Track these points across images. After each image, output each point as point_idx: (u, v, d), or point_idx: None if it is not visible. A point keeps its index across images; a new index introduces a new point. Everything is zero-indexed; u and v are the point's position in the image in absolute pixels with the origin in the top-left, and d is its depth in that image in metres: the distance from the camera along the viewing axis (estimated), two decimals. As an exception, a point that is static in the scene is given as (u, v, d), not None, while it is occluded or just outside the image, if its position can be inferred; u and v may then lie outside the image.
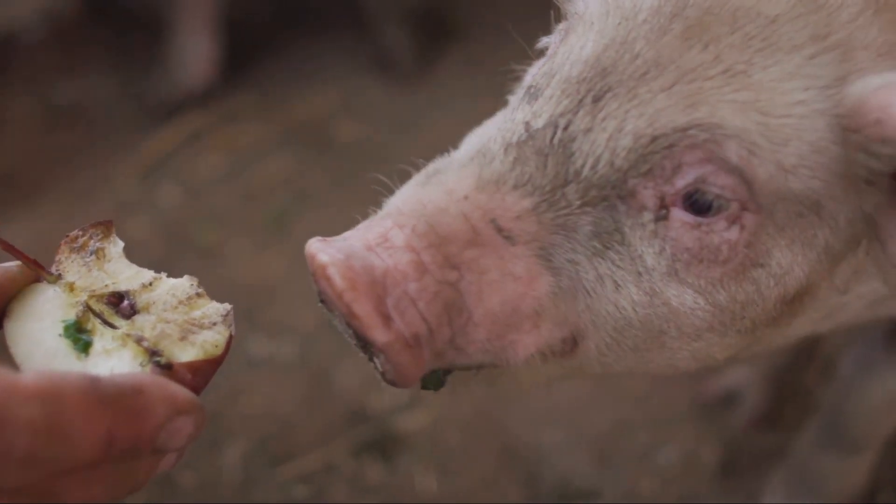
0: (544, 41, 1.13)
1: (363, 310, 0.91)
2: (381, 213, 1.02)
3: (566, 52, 1.04)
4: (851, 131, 0.93)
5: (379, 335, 0.91)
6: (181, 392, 0.84)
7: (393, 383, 0.96)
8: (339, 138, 2.72)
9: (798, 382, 2.10)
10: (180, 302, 0.95)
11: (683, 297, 1.01)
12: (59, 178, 2.64)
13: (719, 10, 0.98)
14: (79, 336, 0.91)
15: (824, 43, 0.96)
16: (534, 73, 1.08)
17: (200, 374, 0.90)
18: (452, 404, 2.07)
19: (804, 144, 0.95)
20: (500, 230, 0.98)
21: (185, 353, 0.90)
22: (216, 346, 0.92)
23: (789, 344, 1.24)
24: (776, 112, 0.95)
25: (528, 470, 1.96)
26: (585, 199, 0.99)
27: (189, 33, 2.80)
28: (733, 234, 0.98)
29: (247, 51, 2.97)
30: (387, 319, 0.92)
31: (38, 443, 0.70)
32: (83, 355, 0.90)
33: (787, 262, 1.00)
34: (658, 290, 1.01)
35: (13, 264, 0.93)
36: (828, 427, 1.75)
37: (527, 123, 1.02)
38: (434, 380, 1.03)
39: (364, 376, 2.10)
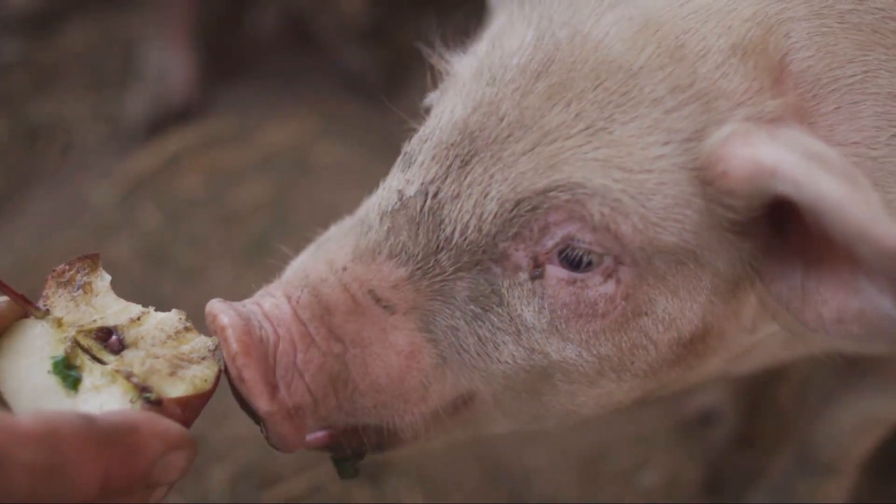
0: (429, 99, 1.14)
1: (252, 377, 0.93)
2: (277, 280, 1.05)
3: (438, 115, 1.06)
4: (706, 184, 0.93)
5: (263, 404, 0.94)
6: (173, 427, 0.85)
7: (276, 447, 0.99)
8: (318, 161, 2.72)
9: (775, 402, 2.13)
10: (168, 336, 0.96)
11: (565, 352, 1.01)
12: (37, 200, 2.61)
13: (582, 65, 0.98)
14: (68, 373, 0.91)
15: (685, 94, 0.96)
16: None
17: (190, 409, 0.92)
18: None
19: (667, 199, 0.95)
20: (378, 300, 1.00)
21: (175, 389, 0.91)
22: (205, 381, 0.93)
23: (705, 382, 1.25)
24: (637, 168, 0.94)
25: (513, 490, 1.97)
26: (458, 264, 1.00)
27: (166, 50, 2.79)
28: (609, 288, 0.98)
29: (224, 73, 2.97)
30: (273, 389, 0.94)
31: (38, 484, 0.72)
32: (73, 392, 0.90)
33: (675, 308, 1.00)
34: (538, 347, 1.02)
35: (1, 299, 0.93)
36: (801, 451, 1.78)
37: (400, 191, 1.03)
38: (349, 469, 1.08)
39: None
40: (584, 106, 0.96)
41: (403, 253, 1.01)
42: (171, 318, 0.97)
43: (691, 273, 0.99)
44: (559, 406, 1.09)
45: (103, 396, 0.89)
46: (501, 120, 0.99)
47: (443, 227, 1.00)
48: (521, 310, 1.01)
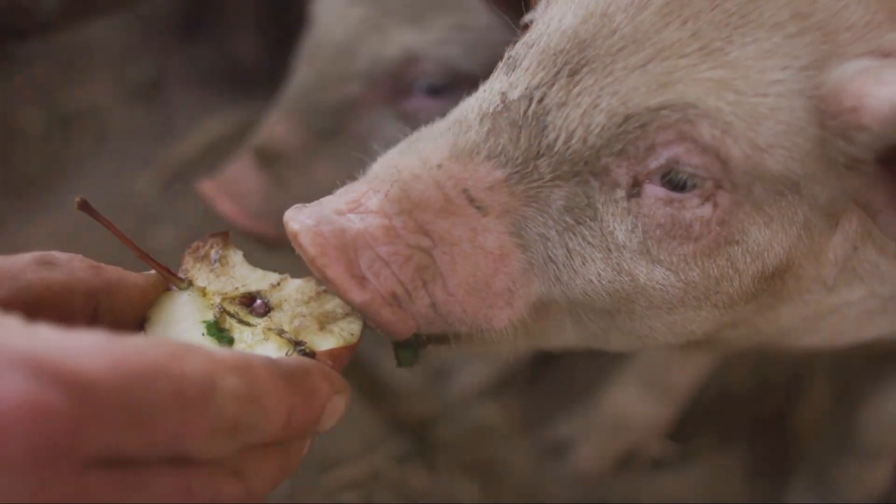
0: (528, 16, 1.13)
1: (335, 273, 0.92)
2: (360, 178, 1.03)
3: (546, 22, 1.04)
4: (829, 116, 0.93)
5: (356, 296, 0.93)
6: (335, 373, 0.89)
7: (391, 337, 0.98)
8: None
9: (812, 389, 2.18)
10: (310, 298, 0.98)
11: (653, 274, 1.01)
12: (77, 189, 2.60)
13: None
14: (221, 334, 0.94)
15: (806, 22, 0.95)
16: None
17: (339, 361, 0.95)
18: (490, 413, 2.13)
19: (780, 124, 0.94)
20: (472, 200, 0.99)
21: (326, 342, 0.94)
22: (352, 335, 0.96)
23: (779, 337, 1.23)
24: (752, 91, 0.93)
25: (568, 477, 2.03)
26: (557, 173, 0.99)
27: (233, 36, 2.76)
28: (706, 211, 0.98)
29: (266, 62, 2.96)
30: (361, 280, 0.93)
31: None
32: None
33: (766, 239, 1.00)
34: (626, 268, 1.01)
35: (147, 273, 0.97)
36: (845, 436, 1.82)
37: (503, 94, 1.02)
38: (409, 357, 1.05)
39: (404, 385, 2.15)
40: (700, 25, 0.95)
41: (502, 155, 0.99)
42: (310, 283, 1.00)
43: (788, 205, 0.99)
44: (632, 330, 1.09)
45: (259, 353, 0.91)
46: (614, 32, 0.97)
47: (546, 132, 0.99)
48: (614, 227, 1.00)
